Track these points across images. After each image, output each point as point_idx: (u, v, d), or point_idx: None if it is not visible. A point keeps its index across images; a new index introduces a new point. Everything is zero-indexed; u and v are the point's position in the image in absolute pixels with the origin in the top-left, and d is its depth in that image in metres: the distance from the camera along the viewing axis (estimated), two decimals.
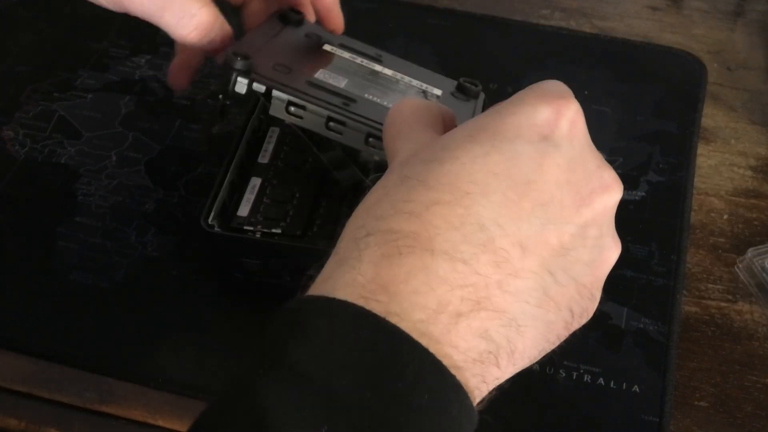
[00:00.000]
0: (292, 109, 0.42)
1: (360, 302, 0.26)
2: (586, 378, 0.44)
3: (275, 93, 0.42)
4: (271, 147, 0.49)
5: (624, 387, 0.44)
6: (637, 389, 0.44)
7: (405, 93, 0.47)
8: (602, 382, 0.44)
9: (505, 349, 0.27)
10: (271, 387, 0.25)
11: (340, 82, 0.45)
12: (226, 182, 0.45)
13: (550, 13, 0.66)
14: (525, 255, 0.28)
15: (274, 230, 0.45)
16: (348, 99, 0.43)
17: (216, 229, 0.44)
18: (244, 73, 0.41)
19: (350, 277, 0.27)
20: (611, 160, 0.54)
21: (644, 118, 0.57)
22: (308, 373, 0.25)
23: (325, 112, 0.42)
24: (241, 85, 0.41)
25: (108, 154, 0.54)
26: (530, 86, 0.32)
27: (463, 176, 0.28)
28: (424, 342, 0.26)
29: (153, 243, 0.49)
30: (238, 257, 0.45)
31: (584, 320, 0.30)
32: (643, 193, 0.52)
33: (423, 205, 0.27)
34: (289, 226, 0.45)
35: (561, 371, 0.44)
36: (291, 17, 0.48)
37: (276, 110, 0.42)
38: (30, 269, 0.48)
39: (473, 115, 0.48)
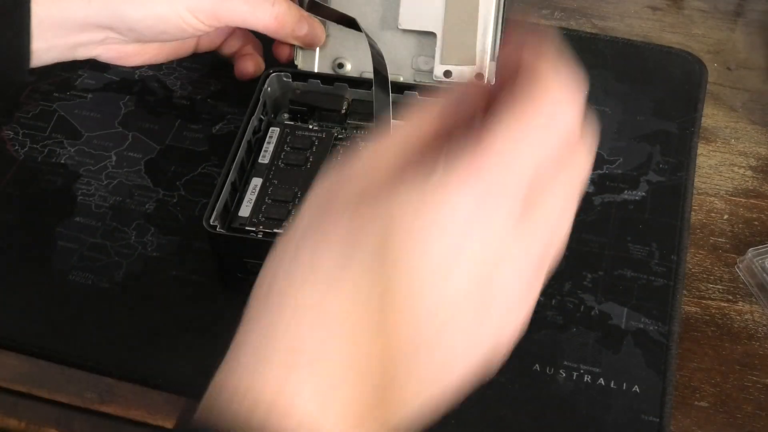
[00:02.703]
0: None
1: None
2: (586, 378, 0.44)
3: None
4: (271, 147, 0.49)
5: (624, 387, 0.44)
6: (637, 389, 0.44)
7: None
8: (602, 382, 0.44)
9: None
10: None
11: None
12: (227, 183, 0.45)
13: (550, 13, 0.66)
14: None
15: (276, 230, 0.45)
16: None
17: (218, 229, 0.44)
18: None
19: None
20: (611, 160, 0.54)
21: (644, 118, 0.57)
22: None
23: None
24: None
25: (108, 154, 0.54)
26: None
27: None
28: None
29: (153, 243, 0.49)
30: (240, 257, 0.45)
31: None
32: (643, 193, 0.52)
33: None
34: None
35: (561, 371, 0.44)
36: None
37: None
38: (30, 269, 0.48)
39: None
